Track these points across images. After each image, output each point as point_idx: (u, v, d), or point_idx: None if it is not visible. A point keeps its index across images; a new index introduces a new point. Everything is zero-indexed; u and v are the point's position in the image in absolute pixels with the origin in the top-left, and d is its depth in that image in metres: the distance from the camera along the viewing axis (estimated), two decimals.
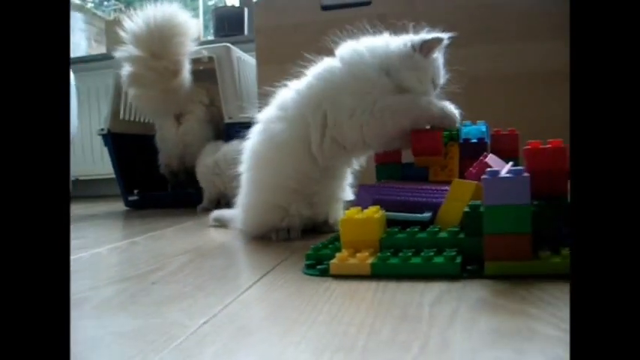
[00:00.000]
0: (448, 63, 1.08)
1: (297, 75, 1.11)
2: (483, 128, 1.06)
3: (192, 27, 1.96)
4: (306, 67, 1.10)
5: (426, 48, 1.02)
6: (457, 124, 1.03)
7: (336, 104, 1.03)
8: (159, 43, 1.89)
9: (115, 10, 3.57)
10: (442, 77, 1.07)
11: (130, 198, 2.19)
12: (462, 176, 0.92)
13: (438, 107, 1.01)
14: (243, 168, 1.15)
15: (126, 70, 1.94)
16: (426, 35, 1.04)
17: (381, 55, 1.04)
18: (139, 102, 2.03)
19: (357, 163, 1.15)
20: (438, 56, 1.05)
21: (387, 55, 1.03)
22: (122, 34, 1.92)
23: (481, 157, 0.91)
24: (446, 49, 1.06)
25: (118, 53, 1.93)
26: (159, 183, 2.24)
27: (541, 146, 0.77)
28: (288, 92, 1.11)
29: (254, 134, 1.13)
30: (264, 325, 0.55)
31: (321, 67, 1.09)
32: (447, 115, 1.01)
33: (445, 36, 1.03)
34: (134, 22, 1.91)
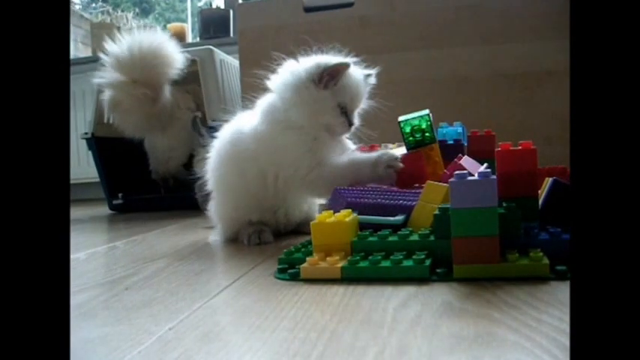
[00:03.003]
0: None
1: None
2: (460, 129, 1.06)
3: (178, 59, 1.95)
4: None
5: (327, 77, 1.00)
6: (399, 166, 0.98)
7: (274, 163, 1.05)
8: (140, 70, 1.89)
9: (102, 13, 3.55)
10: (359, 98, 1.06)
11: (115, 202, 2.18)
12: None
13: (380, 169, 0.98)
14: (209, 180, 1.18)
15: (106, 94, 1.94)
16: (327, 62, 1.01)
17: (282, 97, 1.04)
18: (123, 126, 2.03)
19: None
20: (350, 78, 1.03)
21: (285, 89, 1.04)
22: (104, 57, 1.91)
23: (455, 159, 0.91)
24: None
25: (97, 79, 1.93)
26: (148, 186, 2.23)
27: (511, 148, 0.77)
28: (236, 131, 1.11)
29: (213, 150, 1.15)
30: (227, 332, 0.55)
31: (253, 119, 1.09)
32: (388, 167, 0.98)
33: (350, 61, 1.02)
34: (118, 46, 1.90)
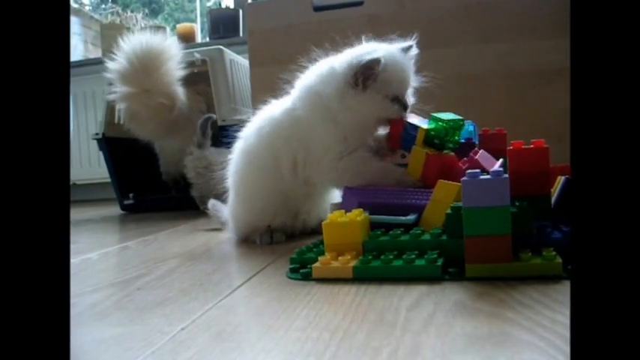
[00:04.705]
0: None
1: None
2: (471, 128, 1.05)
3: (173, 48, 1.95)
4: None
5: (362, 77, 0.95)
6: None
7: (305, 147, 1.03)
8: (147, 78, 1.89)
9: (111, 14, 3.56)
10: (406, 80, 1.01)
11: (126, 202, 2.19)
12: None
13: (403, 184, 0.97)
14: (230, 178, 1.16)
15: (122, 105, 1.95)
16: (358, 61, 0.95)
17: (324, 96, 1.00)
18: (141, 134, 2.05)
19: None
20: (389, 66, 0.96)
21: (327, 96, 1.00)
22: (108, 75, 1.92)
23: (471, 154, 0.90)
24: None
25: (112, 96, 1.94)
26: (159, 186, 2.24)
27: (523, 147, 0.77)
28: (265, 119, 1.09)
29: (237, 150, 1.13)
30: (240, 331, 0.55)
31: (286, 104, 1.07)
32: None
33: (380, 54, 0.95)
34: (116, 61, 1.91)
